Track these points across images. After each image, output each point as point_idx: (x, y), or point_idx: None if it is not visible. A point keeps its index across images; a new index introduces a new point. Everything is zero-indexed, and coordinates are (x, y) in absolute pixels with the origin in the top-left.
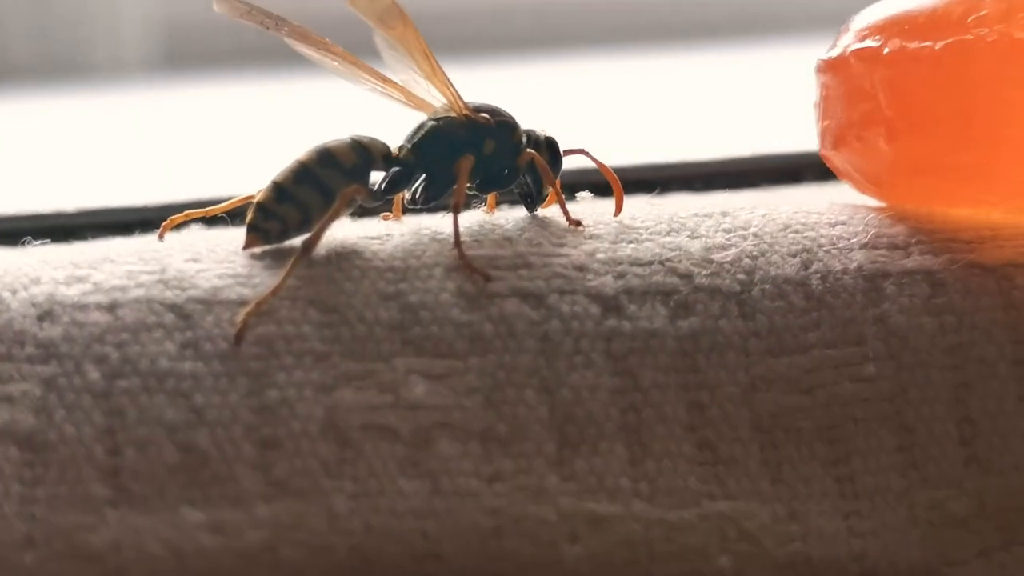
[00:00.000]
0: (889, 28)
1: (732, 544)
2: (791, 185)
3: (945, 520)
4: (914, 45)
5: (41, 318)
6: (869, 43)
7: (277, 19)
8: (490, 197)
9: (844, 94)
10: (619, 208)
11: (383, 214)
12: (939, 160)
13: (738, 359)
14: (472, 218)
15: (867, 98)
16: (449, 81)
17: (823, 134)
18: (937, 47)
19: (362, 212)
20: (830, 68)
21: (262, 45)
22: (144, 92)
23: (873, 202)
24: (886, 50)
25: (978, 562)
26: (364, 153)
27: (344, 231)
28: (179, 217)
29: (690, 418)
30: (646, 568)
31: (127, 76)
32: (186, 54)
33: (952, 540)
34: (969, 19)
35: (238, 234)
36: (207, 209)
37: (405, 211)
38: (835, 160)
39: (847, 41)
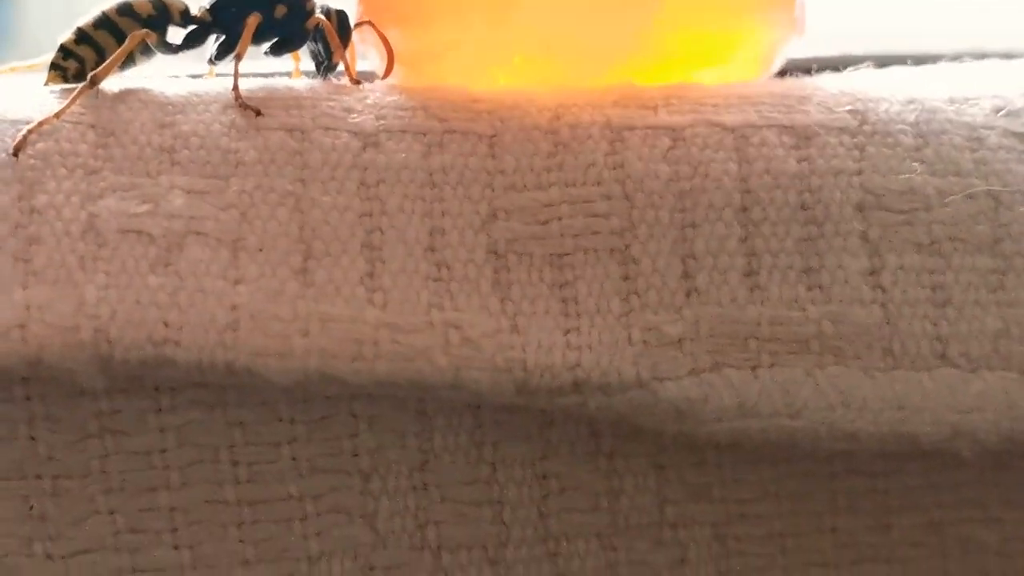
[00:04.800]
0: None
1: (453, 348)
2: None
3: (660, 341)
4: None
5: None
6: None
7: None
8: (294, 65)
9: None
10: (387, 72)
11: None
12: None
13: (482, 192)
14: (269, 80)
15: None
16: None
17: None
18: None
19: None
20: None
21: None
22: None
23: None
24: None
25: (689, 379)
26: (162, 7)
27: (145, 79)
28: (4, 69)
29: (431, 241)
30: (371, 364)
31: None
32: None
33: (665, 359)
34: None
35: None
36: (29, 63)
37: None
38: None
39: None
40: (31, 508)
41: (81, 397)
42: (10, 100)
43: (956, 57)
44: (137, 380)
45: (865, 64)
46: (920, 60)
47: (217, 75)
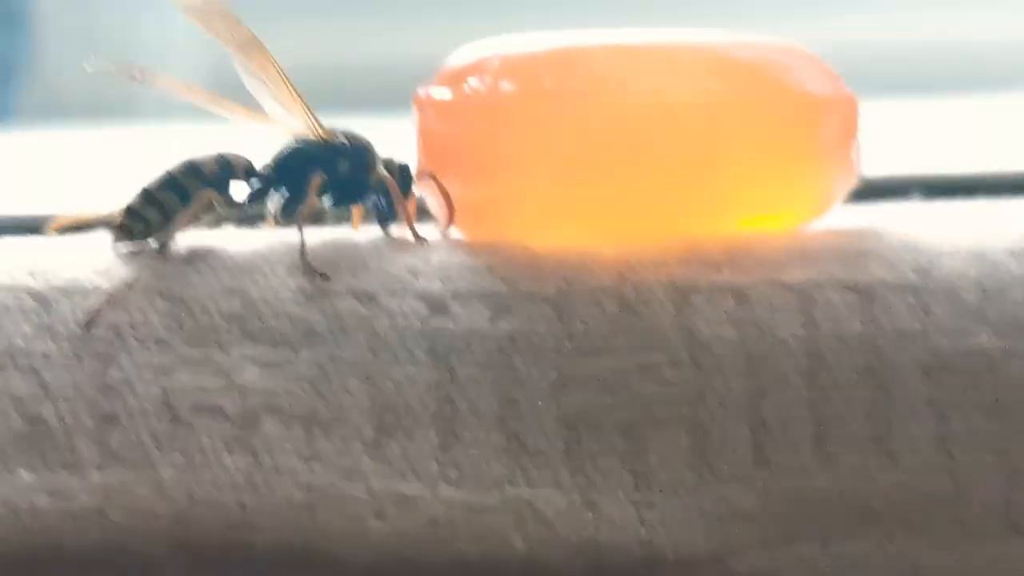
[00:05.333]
0: (443, 75)
1: (528, 527)
2: None
3: (732, 514)
4: (437, 94)
5: None
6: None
7: (142, 70)
8: (355, 214)
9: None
10: (448, 225)
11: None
12: (471, 197)
13: (551, 358)
14: (331, 232)
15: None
16: (307, 105)
17: None
18: (448, 98)
19: None
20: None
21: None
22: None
23: None
24: (422, 95)
25: (760, 553)
26: (226, 165)
27: (210, 236)
28: (67, 219)
29: (501, 411)
30: (447, 545)
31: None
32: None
33: (737, 532)
34: (473, 73)
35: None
36: (93, 215)
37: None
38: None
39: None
40: None
41: None
42: (79, 264)
43: (1014, 183)
44: (212, 560)
45: (914, 192)
46: (968, 184)
47: (278, 224)
